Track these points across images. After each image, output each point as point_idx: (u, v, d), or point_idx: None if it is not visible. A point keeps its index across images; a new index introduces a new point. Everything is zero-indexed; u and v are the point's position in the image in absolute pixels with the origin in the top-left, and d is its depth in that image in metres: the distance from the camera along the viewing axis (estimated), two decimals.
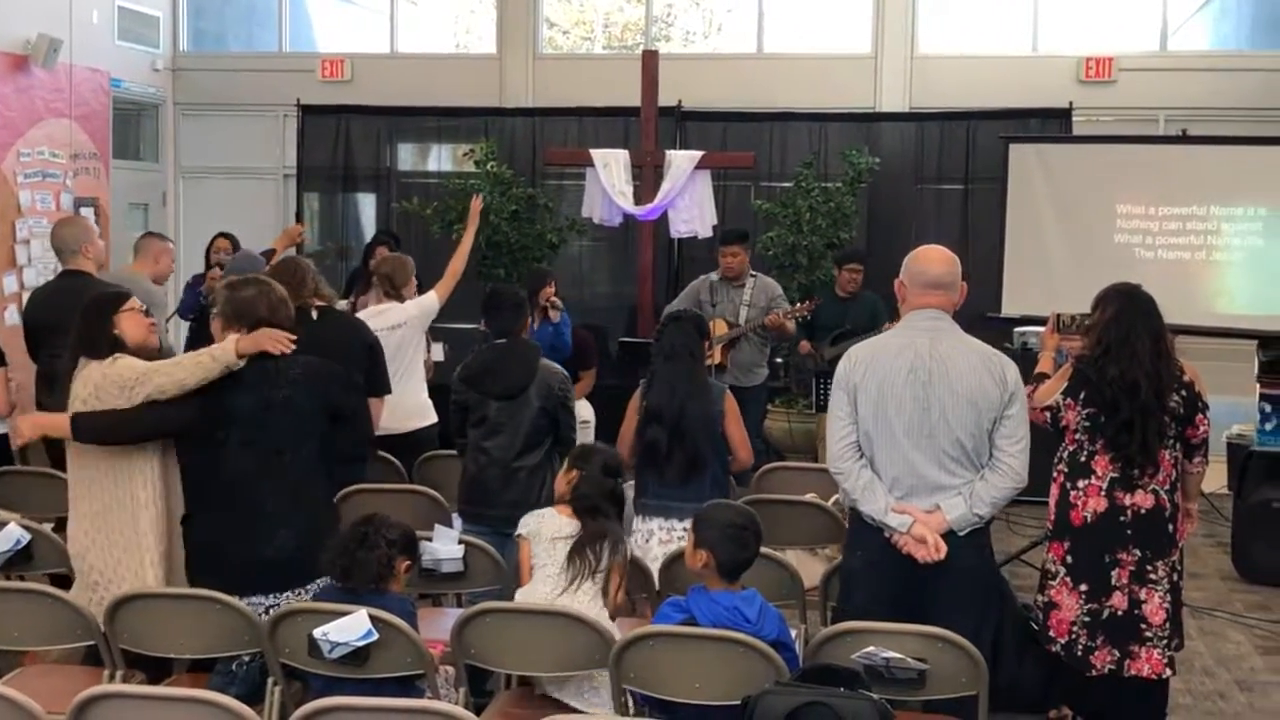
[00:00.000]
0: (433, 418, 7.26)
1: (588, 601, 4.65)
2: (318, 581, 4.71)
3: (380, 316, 7.10)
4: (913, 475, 4.55)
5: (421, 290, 7.48)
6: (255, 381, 4.70)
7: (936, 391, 4.51)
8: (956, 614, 4.36)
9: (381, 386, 6.42)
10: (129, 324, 4.87)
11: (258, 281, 5.04)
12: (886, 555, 4.56)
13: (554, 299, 8.24)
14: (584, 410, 7.89)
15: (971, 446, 4.54)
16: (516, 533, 4.90)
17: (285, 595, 4.69)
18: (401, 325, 7.07)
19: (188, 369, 4.63)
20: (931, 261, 4.71)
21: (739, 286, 8.81)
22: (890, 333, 4.76)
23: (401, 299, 7.32)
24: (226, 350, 4.66)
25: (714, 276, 8.93)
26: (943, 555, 4.47)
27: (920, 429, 4.53)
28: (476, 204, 8.37)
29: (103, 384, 4.68)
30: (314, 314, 6.23)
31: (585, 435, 6.17)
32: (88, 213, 10.97)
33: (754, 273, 8.93)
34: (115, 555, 4.74)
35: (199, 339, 7.70)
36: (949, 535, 4.50)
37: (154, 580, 4.70)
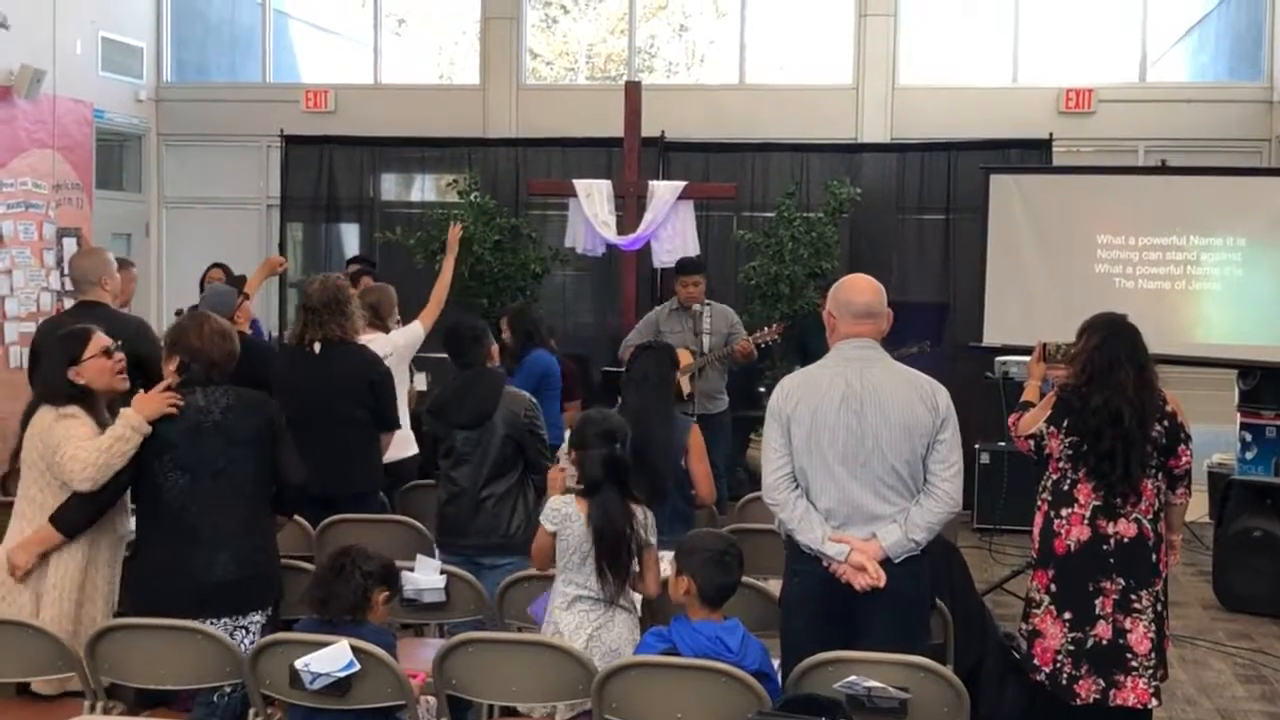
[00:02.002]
0: (414, 448, 7.27)
1: (624, 618, 4.76)
2: (259, 612, 4.81)
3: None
4: (848, 505, 4.54)
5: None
6: (185, 409, 4.74)
7: (869, 420, 4.52)
8: (887, 641, 4.35)
9: (388, 422, 6.45)
10: (93, 372, 4.90)
11: (196, 314, 5.15)
12: (823, 583, 4.54)
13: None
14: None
15: (907, 473, 4.54)
16: (542, 522, 4.85)
17: (232, 619, 4.72)
18: (388, 356, 7.07)
19: (113, 464, 4.64)
20: (859, 291, 4.73)
21: (696, 315, 8.82)
22: (821, 363, 4.74)
23: (387, 329, 7.33)
24: (136, 425, 4.66)
25: (670, 306, 8.94)
26: (881, 583, 4.46)
27: (855, 458, 4.53)
28: (455, 232, 8.35)
29: (46, 438, 4.75)
30: (316, 348, 6.25)
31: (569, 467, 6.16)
32: (70, 243, 10.95)
33: (707, 300, 8.93)
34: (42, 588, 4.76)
35: None
36: (884, 561, 4.50)
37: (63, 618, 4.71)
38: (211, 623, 4.63)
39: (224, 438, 4.74)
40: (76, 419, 4.78)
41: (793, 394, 4.65)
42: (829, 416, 4.54)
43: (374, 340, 7.14)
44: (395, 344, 7.19)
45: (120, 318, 6.63)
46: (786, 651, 4.57)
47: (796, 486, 4.61)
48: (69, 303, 7.02)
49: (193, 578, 4.68)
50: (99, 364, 4.92)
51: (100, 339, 4.97)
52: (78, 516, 4.74)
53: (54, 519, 4.72)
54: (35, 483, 4.81)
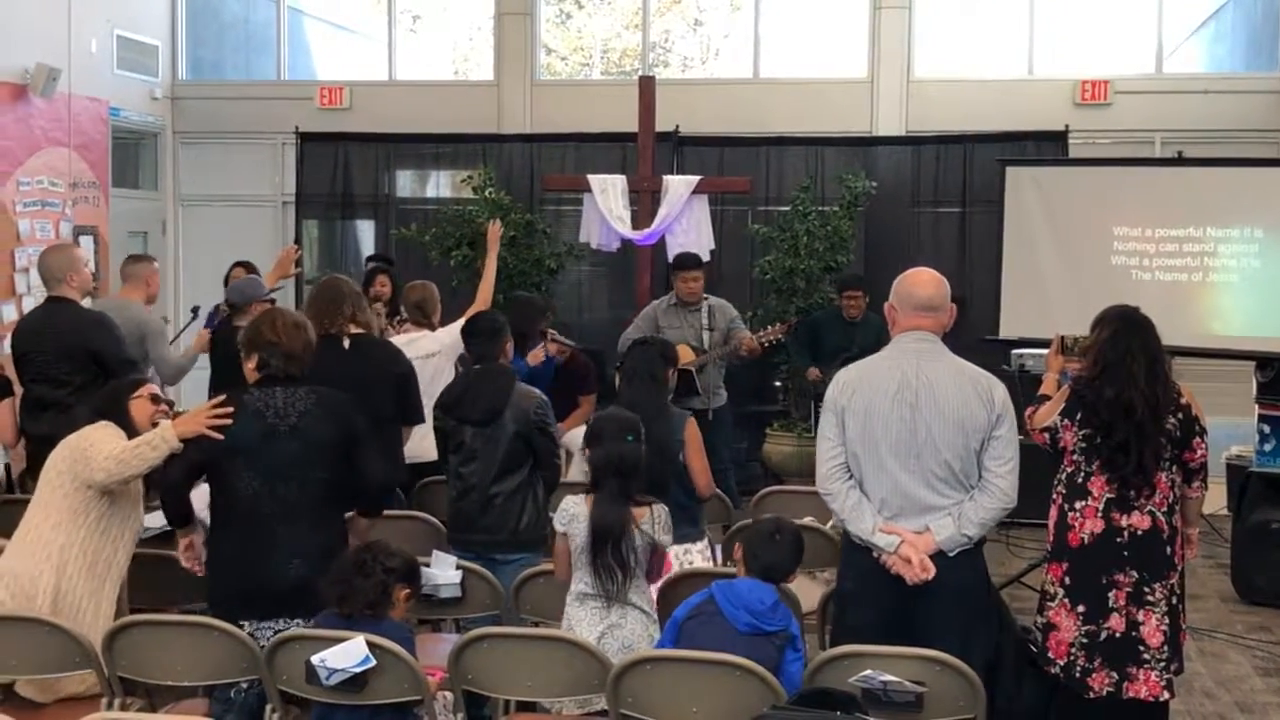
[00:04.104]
0: None
1: (636, 616, 4.75)
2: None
3: (412, 345, 7.11)
4: (901, 496, 4.55)
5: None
6: (259, 410, 4.72)
7: (923, 413, 4.52)
8: (945, 634, 4.36)
9: (413, 415, 6.45)
10: (137, 411, 5.09)
11: (269, 310, 5.19)
12: (876, 576, 4.55)
13: (552, 331, 8.16)
14: (580, 438, 7.88)
15: (960, 468, 4.54)
16: (556, 526, 4.86)
17: (296, 623, 4.67)
18: (436, 354, 7.09)
19: (131, 464, 4.73)
20: (921, 284, 4.73)
21: (695, 310, 8.79)
22: (879, 355, 4.76)
23: (433, 327, 7.33)
24: (166, 438, 4.73)
25: (669, 301, 8.91)
26: (930, 575, 4.46)
27: (908, 450, 4.53)
28: (495, 230, 8.22)
29: (78, 440, 4.87)
30: (345, 343, 6.24)
31: (581, 462, 6.16)
32: (87, 241, 10.99)
33: (705, 295, 8.91)
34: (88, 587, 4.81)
35: (220, 368, 7.69)
36: (938, 556, 4.49)
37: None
38: (284, 621, 4.63)
39: (299, 442, 4.71)
40: (110, 428, 4.91)
41: (849, 385, 4.66)
42: (883, 408, 4.55)
43: (421, 338, 7.17)
44: (443, 342, 7.18)
45: (82, 312, 6.75)
46: (843, 644, 4.52)
47: (850, 477, 4.62)
48: (87, 302, 7.10)
49: (268, 582, 4.67)
50: (141, 404, 5.12)
51: (148, 388, 5.22)
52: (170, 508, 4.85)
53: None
54: (48, 485, 4.85)
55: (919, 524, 4.53)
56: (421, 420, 6.56)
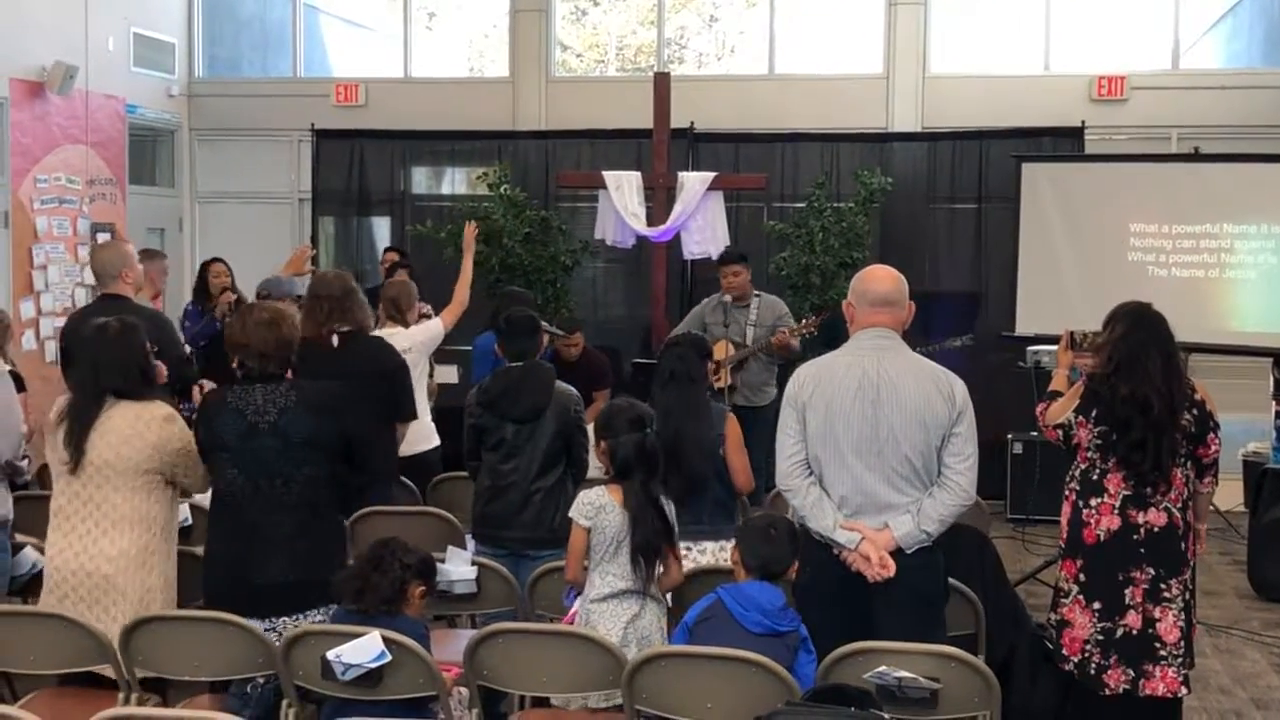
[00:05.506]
0: (436, 441, 7.31)
1: (653, 607, 4.79)
2: (318, 610, 4.72)
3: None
4: (861, 493, 4.54)
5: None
6: (240, 406, 4.75)
7: (884, 409, 4.51)
8: (903, 632, 4.34)
9: (402, 412, 6.45)
10: None
11: (243, 307, 5.28)
12: (835, 573, 4.55)
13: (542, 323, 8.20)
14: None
15: (921, 465, 4.53)
16: (574, 518, 4.84)
17: (281, 621, 4.67)
18: (408, 350, 7.10)
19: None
20: (878, 280, 4.73)
21: (744, 306, 8.81)
22: (838, 352, 4.74)
23: (406, 323, 7.37)
24: None
25: (720, 298, 8.94)
26: (891, 572, 4.45)
27: (869, 447, 4.52)
28: (470, 232, 8.26)
29: (163, 442, 4.81)
30: (334, 340, 6.25)
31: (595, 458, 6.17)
32: (104, 238, 11.02)
33: (757, 292, 8.94)
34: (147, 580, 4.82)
35: (212, 365, 7.70)
36: (897, 556, 4.49)
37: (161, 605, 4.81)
38: (272, 620, 4.63)
39: (280, 440, 4.71)
40: (179, 420, 4.88)
41: (808, 382, 4.65)
42: (844, 405, 4.54)
43: (394, 335, 7.19)
44: (414, 339, 7.22)
45: (138, 310, 6.72)
46: None
47: (810, 474, 4.62)
48: None
49: (248, 579, 4.69)
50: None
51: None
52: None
53: None
54: (117, 487, 4.77)
55: (879, 521, 4.52)
56: (413, 417, 6.57)
